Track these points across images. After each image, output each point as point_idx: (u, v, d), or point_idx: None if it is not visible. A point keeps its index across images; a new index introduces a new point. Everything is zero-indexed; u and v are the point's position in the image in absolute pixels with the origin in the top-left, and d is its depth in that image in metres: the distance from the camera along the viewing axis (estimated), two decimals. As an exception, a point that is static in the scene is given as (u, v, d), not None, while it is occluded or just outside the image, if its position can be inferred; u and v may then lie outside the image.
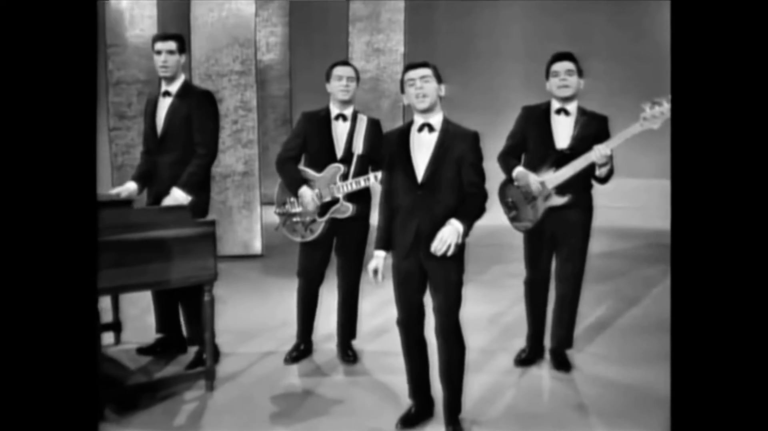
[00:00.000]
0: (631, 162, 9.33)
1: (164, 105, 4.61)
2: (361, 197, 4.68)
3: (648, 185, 9.32)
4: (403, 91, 3.70)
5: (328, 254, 4.78)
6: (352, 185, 4.60)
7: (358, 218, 4.68)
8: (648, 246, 7.98)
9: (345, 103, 4.66)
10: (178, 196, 4.42)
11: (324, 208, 4.63)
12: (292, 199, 4.66)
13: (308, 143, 4.69)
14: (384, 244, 3.75)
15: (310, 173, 4.65)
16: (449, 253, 3.52)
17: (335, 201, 4.63)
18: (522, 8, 10.61)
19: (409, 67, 3.70)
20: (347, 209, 4.63)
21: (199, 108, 4.57)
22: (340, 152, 4.65)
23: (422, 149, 3.67)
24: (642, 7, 10.01)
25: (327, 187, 4.61)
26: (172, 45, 4.53)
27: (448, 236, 3.52)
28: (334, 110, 4.69)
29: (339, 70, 4.65)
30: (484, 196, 3.67)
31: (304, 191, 4.59)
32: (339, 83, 4.62)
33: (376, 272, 3.73)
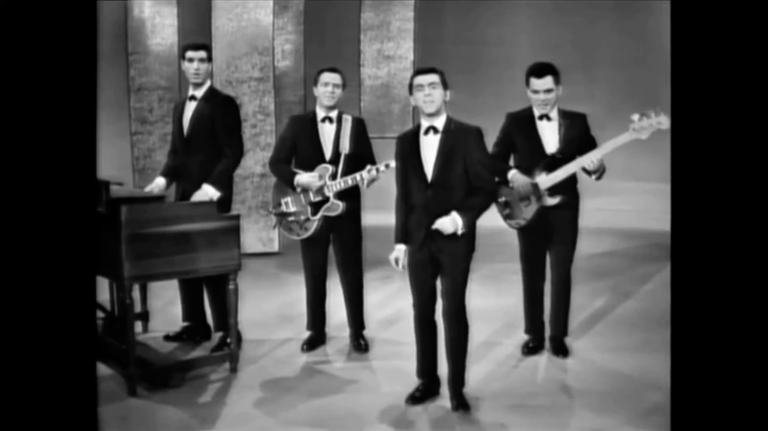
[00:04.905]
0: (634, 167, 9.62)
1: (190, 108, 4.96)
2: (351, 195, 4.96)
3: (649, 188, 9.56)
4: (411, 93, 4.04)
5: (325, 250, 5.08)
6: (341, 183, 4.87)
7: (350, 215, 4.96)
8: (648, 246, 8.18)
9: (330, 107, 4.96)
10: (208, 191, 4.74)
11: (316, 207, 4.92)
12: (286, 199, 4.96)
13: (297, 146, 4.98)
14: (402, 238, 4.11)
15: (301, 173, 4.94)
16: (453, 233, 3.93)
17: (326, 200, 4.92)
18: (530, 18, 10.84)
19: (418, 72, 4.05)
20: (338, 207, 4.91)
21: (222, 113, 4.91)
22: (328, 153, 4.93)
23: (430, 151, 4.01)
24: (645, 15, 10.24)
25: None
26: (202, 53, 4.89)
27: (444, 225, 3.93)
28: (321, 113, 4.96)
29: (326, 77, 4.91)
30: (490, 191, 4.08)
31: (300, 176, 4.87)
32: (325, 89, 4.90)
33: (396, 262, 4.10)
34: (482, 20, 10.88)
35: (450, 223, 3.92)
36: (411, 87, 4.03)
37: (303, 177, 4.89)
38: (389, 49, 10.00)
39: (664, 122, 4.48)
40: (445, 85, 4.01)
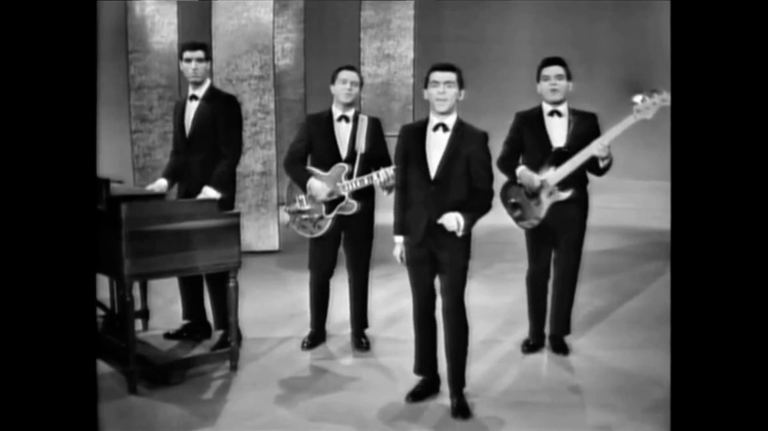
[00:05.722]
0: (634, 165, 9.63)
1: (191, 108, 4.95)
2: (365, 195, 4.96)
3: (649, 186, 9.58)
4: (425, 87, 4.01)
5: (336, 249, 5.08)
6: (356, 183, 4.88)
7: (363, 214, 4.96)
8: (649, 244, 8.21)
9: (347, 105, 4.95)
10: (210, 193, 4.73)
11: (330, 205, 4.92)
12: (301, 197, 4.96)
13: (313, 145, 4.98)
14: (401, 230, 4.12)
15: (317, 172, 4.93)
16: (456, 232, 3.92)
17: (341, 199, 4.92)
18: (529, 15, 10.86)
19: (436, 68, 3.99)
20: (352, 206, 4.92)
21: (224, 112, 4.91)
22: (344, 152, 4.93)
23: (436, 148, 4.00)
24: (645, 13, 10.26)
25: (333, 185, 4.90)
26: (200, 53, 4.88)
27: (449, 221, 3.92)
28: (337, 112, 4.97)
29: (344, 74, 4.93)
30: (489, 194, 4.05)
31: (313, 181, 4.88)
32: (343, 86, 4.90)
33: (401, 257, 4.13)
34: (482, 18, 10.90)
35: (453, 220, 3.91)
36: (426, 81, 4.01)
37: (316, 185, 4.88)
38: (389, 48, 10.02)
39: (667, 98, 4.43)
40: (461, 84, 3.98)
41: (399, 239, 4.13)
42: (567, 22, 10.46)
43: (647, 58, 9.85)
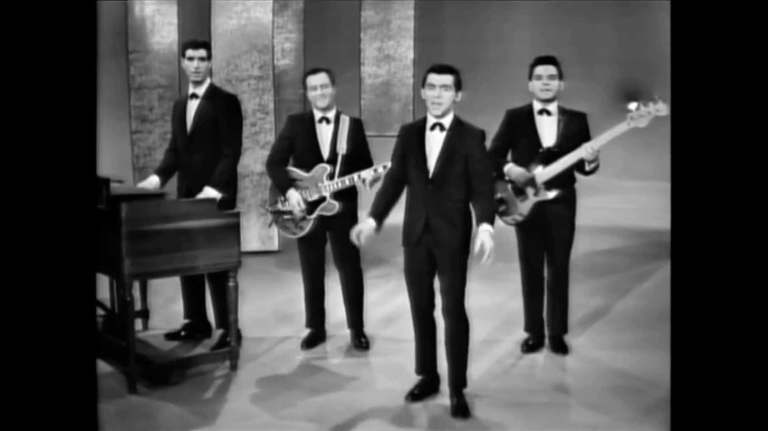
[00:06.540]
0: (633, 165, 9.63)
1: (192, 107, 4.96)
2: (348, 195, 4.96)
3: (649, 186, 9.57)
4: (423, 86, 4.01)
5: (322, 249, 5.10)
6: (337, 184, 4.88)
7: (346, 214, 4.95)
8: (648, 244, 8.19)
9: (325, 108, 4.95)
10: (210, 193, 4.75)
11: (312, 206, 4.92)
12: (282, 198, 4.97)
13: (295, 145, 4.98)
14: (375, 213, 4.09)
15: (299, 173, 4.94)
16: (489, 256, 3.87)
17: (323, 200, 4.92)
18: (529, 15, 10.85)
19: (433, 69, 4.00)
20: (334, 207, 4.91)
21: (225, 110, 4.92)
22: (325, 153, 4.93)
23: (434, 147, 4.02)
24: (645, 13, 10.26)
25: (315, 186, 4.90)
26: (203, 52, 4.90)
27: (488, 242, 3.87)
28: (318, 114, 4.96)
29: (312, 81, 4.91)
30: (491, 191, 4.09)
31: (291, 193, 4.89)
32: (314, 93, 4.89)
33: (359, 236, 4.09)
34: (482, 18, 10.88)
35: (489, 238, 3.87)
36: (424, 81, 4.01)
37: (293, 197, 4.88)
38: (389, 48, 10.00)
39: (662, 108, 4.49)
40: (458, 86, 3.98)
41: (368, 221, 4.07)
42: (567, 23, 10.45)
43: (647, 59, 9.84)
